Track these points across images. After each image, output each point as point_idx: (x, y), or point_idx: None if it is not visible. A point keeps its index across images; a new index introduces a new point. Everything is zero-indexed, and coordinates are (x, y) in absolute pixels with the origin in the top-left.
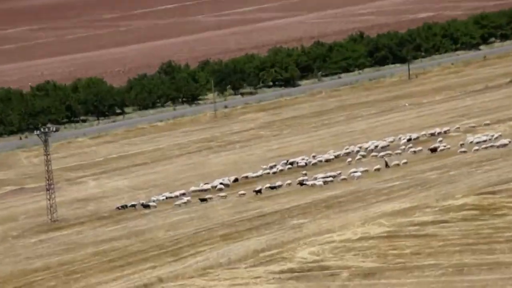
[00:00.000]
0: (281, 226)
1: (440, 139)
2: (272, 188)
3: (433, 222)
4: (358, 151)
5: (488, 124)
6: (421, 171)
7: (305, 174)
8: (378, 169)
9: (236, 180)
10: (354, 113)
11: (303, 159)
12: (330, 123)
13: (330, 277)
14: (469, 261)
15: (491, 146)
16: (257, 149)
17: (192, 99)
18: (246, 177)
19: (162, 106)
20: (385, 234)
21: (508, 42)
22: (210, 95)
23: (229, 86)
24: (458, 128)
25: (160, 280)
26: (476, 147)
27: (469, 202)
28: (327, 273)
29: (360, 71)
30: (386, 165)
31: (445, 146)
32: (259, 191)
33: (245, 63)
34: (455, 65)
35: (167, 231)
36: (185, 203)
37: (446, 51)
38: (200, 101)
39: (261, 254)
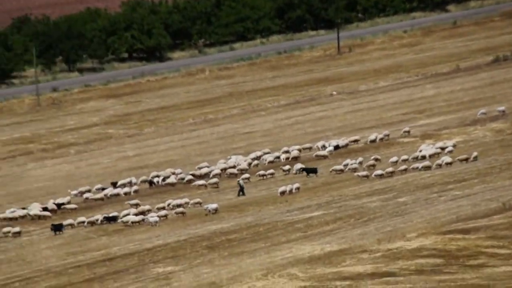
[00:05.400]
0: (139, 276)
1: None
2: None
3: (372, 275)
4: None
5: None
6: (355, 196)
7: (137, 205)
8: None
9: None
10: (254, 104)
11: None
12: (217, 118)
13: None
14: None
15: (415, 168)
16: (103, 156)
17: (1, 76)
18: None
19: None
20: None
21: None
22: (30, 71)
23: (60, 57)
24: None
25: None
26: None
27: (429, 245)
28: None
29: (264, 39)
30: (240, 192)
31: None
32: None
33: (86, 22)
34: (409, 34)
35: None
36: None
37: (395, 12)
38: (14, 80)
39: None
